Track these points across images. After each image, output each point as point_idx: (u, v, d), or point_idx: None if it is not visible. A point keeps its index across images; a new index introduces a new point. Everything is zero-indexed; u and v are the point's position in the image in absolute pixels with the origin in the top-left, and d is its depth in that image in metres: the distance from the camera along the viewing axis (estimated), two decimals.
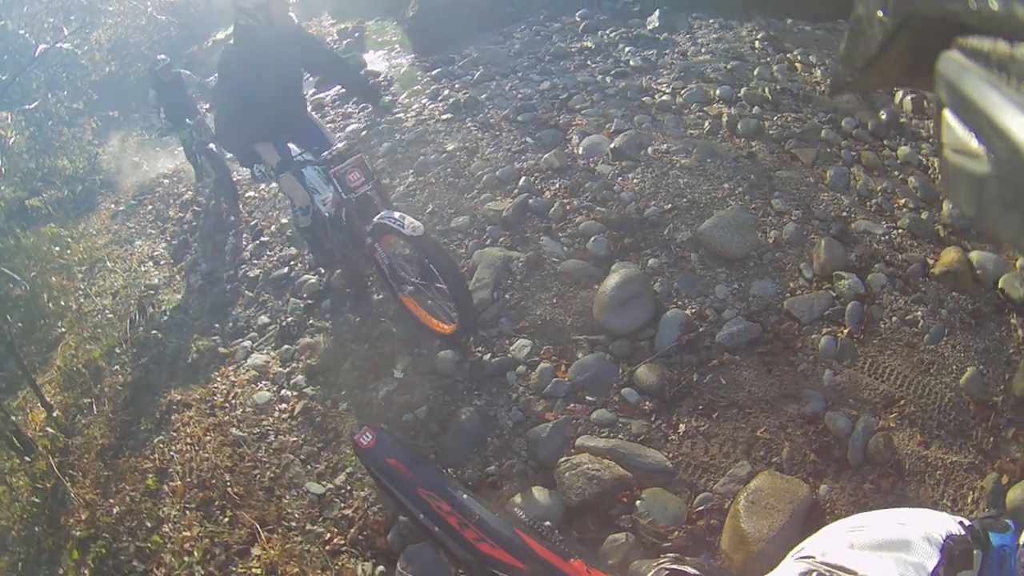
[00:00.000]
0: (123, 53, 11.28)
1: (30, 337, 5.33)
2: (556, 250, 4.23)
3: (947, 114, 0.50)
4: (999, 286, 3.76)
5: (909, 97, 5.26)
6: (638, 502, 2.96)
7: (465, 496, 2.69)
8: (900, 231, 4.13)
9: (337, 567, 3.15)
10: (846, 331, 3.54)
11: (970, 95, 0.47)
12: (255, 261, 5.54)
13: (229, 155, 5.65)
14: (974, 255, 3.90)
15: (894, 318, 3.60)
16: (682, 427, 3.24)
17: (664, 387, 3.37)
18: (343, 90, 7.15)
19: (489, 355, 3.87)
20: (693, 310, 3.73)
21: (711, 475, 3.05)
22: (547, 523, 2.79)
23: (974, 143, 0.48)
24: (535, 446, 3.34)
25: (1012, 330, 3.58)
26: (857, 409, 3.21)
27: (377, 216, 3.76)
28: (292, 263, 5.28)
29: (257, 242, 5.74)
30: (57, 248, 5.89)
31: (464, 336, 3.87)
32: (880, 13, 0.58)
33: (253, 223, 6.05)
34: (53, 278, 5.70)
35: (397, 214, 3.66)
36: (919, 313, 3.61)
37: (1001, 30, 0.46)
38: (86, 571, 3.50)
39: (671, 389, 3.37)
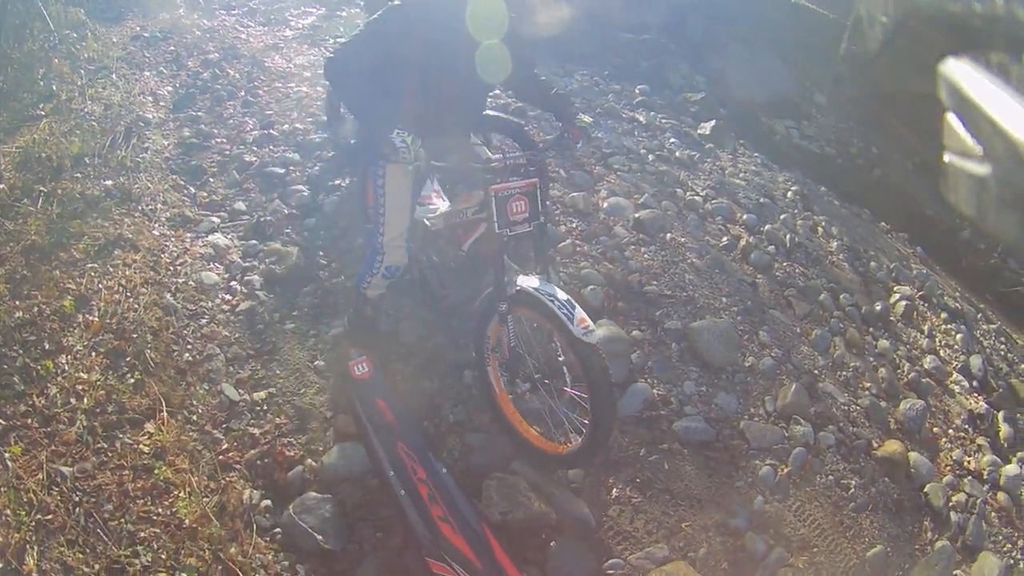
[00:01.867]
0: None
1: (7, 103, 5.11)
2: (553, 280, 4.42)
3: (948, 116, 0.61)
4: (924, 490, 4.15)
5: (903, 302, 5.75)
6: (553, 543, 3.10)
7: (444, 470, 2.70)
8: (858, 408, 4.47)
9: (224, 481, 3.12)
10: (787, 470, 3.82)
11: (971, 97, 0.59)
12: (255, 148, 5.52)
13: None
14: (912, 456, 4.26)
15: (830, 477, 3.90)
16: (615, 491, 3.43)
17: (611, 448, 3.58)
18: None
19: (452, 346, 3.99)
20: (659, 392, 3.96)
21: (629, 545, 3.23)
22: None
23: (974, 144, 0.60)
24: (470, 451, 3.45)
25: (923, 530, 3.93)
26: (775, 540, 3.46)
27: (526, 280, 3.08)
28: (291, 167, 5.29)
29: (264, 132, 5.73)
30: (75, 34, 5.68)
31: (586, 462, 3.33)
32: (881, 14, 0.70)
33: (268, 113, 6.03)
34: (56, 60, 5.49)
35: (562, 295, 2.96)
36: (852, 482, 3.92)
37: (1002, 31, 0.58)
38: None
39: (617, 454, 3.58)
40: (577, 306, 2.91)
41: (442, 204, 3.84)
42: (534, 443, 3.37)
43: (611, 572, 3.10)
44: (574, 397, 3.22)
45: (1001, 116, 0.48)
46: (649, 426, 3.78)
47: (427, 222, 3.71)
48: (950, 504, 4.15)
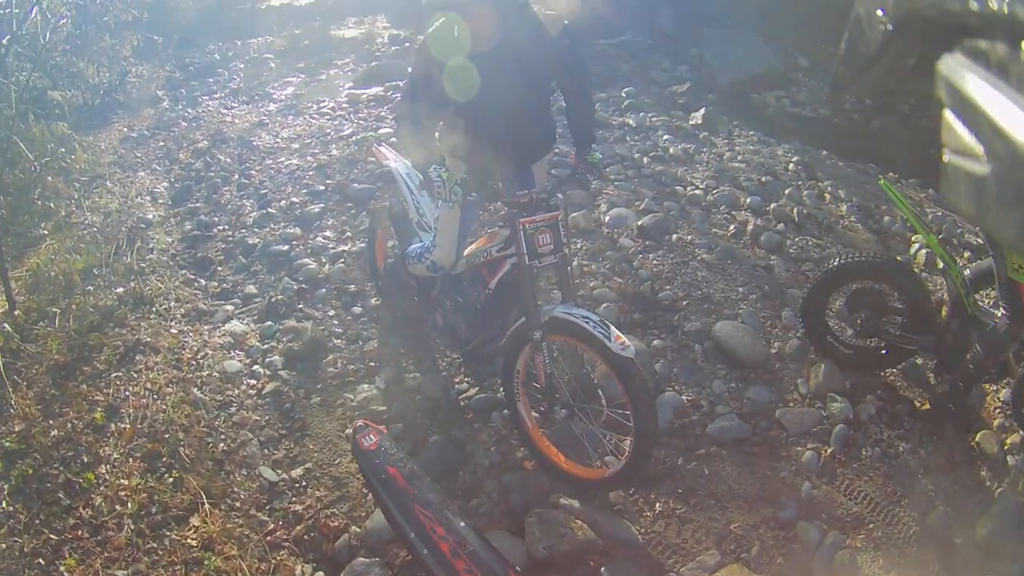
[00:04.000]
0: None
1: (8, 228, 5.21)
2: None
3: (947, 115, 0.58)
4: (976, 439, 3.99)
5: (924, 251, 5.57)
6: (603, 569, 3.05)
7: (462, 524, 2.73)
8: (894, 371, 4.35)
9: (275, 561, 3.15)
10: (830, 450, 3.72)
11: (970, 96, 0.55)
12: (256, 229, 5.58)
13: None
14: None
15: (876, 448, 3.78)
16: (658, 506, 3.37)
17: (648, 464, 3.51)
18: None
19: (476, 390, 3.99)
20: (689, 398, 3.89)
21: (679, 557, 3.17)
22: None
23: (974, 143, 0.56)
24: (508, 491, 3.43)
25: (982, 482, 3.78)
26: (828, 524, 3.36)
27: (557, 307, 3.16)
28: (294, 243, 5.34)
29: (263, 211, 5.80)
30: (63, 149, 5.85)
31: (632, 479, 3.30)
32: (880, 13, 0.66)
33: (263, 192, 6.11)
34: (50, 177, 5.61)
35: (595, 316, 3.03)
36: (900, 448, 3.81)
37: (1001, 30, 0.54)
38: (6, 486, 3.38)
39: (655, 467, 3.51)
40: (611, 325, 2.97)
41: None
42: (574, 472, 3.37)
43: None
44: (612, 417, 3.21)
45: (1001, 115, 0.46)
46: (683, 434, 3.72)
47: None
48: (1005, 448, 3.98)
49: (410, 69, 3.41)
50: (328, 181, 6.11)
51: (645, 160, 6.27)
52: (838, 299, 4.32)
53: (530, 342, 3.20)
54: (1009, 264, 3.58)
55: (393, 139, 5.37)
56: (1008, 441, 4.02)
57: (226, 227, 5.72)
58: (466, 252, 3.65)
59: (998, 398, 4.31)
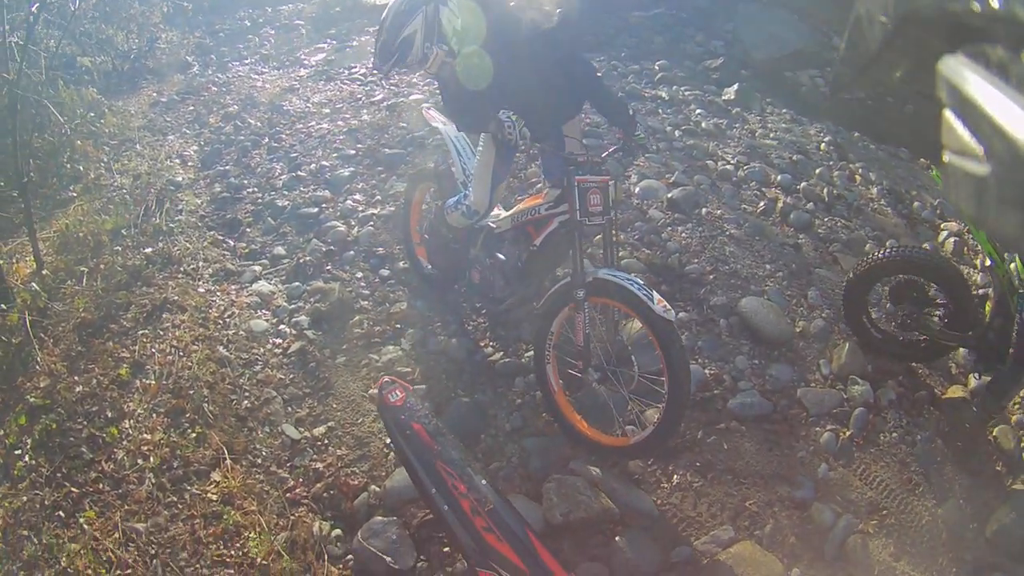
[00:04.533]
0: None
1: (38, 191, 5.23)
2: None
3: (947, 115, 0.56)
4: (993, 433, 3.95)
5: (952, 239, 5.48)
6: (618, 538, 3.06)
7: (484, 482, 2.73)
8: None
9: (293, 517, 3.17)
10: (848, 433, 3.69)
11: (971, 96, 0.53)
12: (286, 192, 5.56)
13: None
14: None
15: (894, 434, 3.75)
16: (676, 478, 3.36)
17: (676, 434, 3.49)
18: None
19: (500, 354, 3.97)
20: (712, 372, 3.87)
21: (694, 531, 3.16)
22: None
23: (974, 144, 0.54)
24: (528, 456, 3.44)
25: (997, 476, 3.75)
26: (843, 507, 3.34)
27: (600, 269, 3.24)
28: (324, 205, 5.33)
29: (293, 175, 5.77)
30: (92, 114, 5.81)
31: (660, 446, 3.29)
32: (880, 14, 0.64)
33: (293, 156, 6.08)
34: (79, 141, 5.60)
35: (639, 279, 3.13)
36: (918, 437, 3.77)
37: (1001, 31, 0.52)
38: (28, 440, 3.41)
39: (674, 440, 3.49)
40: (653, 290, 3.04)
41: (501, 211, 3.93)
42: (597, 439, 3.39)
43: (677, 560, 3.04)
44: (643, 383, 3.26)
45: (1001, 115, 0.44)
46: (704, 408, 3.70)
47: (492, 224, 3.84)
48: (1022, 445, 3.94)
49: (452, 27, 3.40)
50: (359, 145, 6.07)
51: (677, 133, 6.17)
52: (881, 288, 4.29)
53: (572, 302, 3.25)
54: None
55: (425, 104, 5.31)
56: None
57: (255, 190, 5.70)
58: (512, 211, 3.72)
59: (1019, 394, 4.26)
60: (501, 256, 3.79)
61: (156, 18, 8.62)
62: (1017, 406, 4.20)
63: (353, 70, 7.77)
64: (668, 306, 2.99)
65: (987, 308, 3.89)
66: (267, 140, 6.44)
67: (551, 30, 3.39)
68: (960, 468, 3.71)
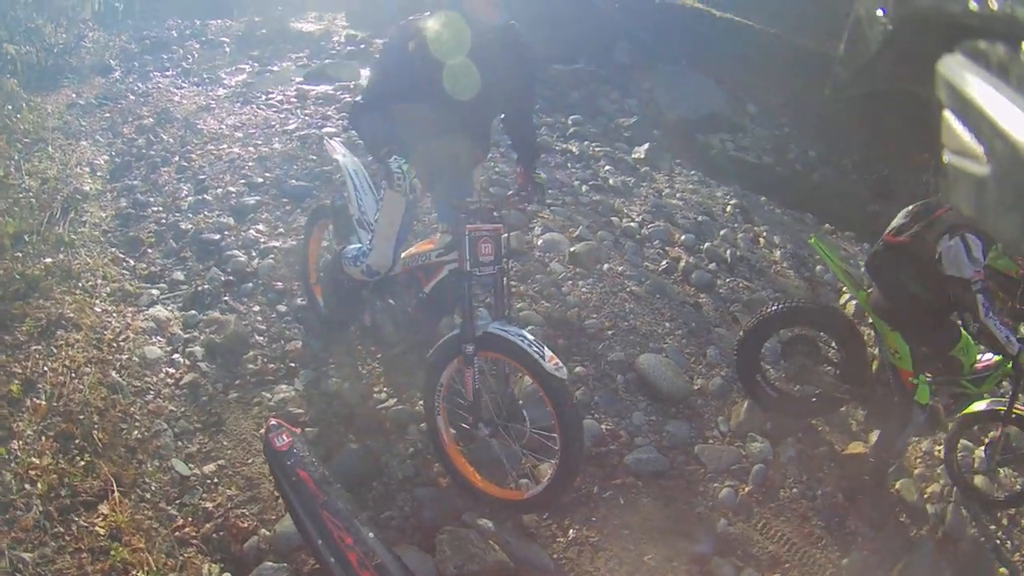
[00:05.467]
0: None
1: None
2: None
3: (947, 115, 0.58)
4: (896, 486, 4.29)
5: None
6: None
7: (371, 535, 2.78)
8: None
9: (183, 558, 3.16)
10: (747, 489, 3.93)
11: (970, 96, 0.55)
12: (190, 215, 5.62)
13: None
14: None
15: (794, 489, 4.02)
16: (572, 532, 3.50)
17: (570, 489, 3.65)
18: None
19: (394, 401, 4.08)
20: (608, 427, 4.07)
21: None
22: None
23: (974, 144, 0.55)
24: (421, 506, 3.51)
25: (902, 527, 4.07)
26: (744, 561, 3.56)
27: (491, 322, 3.29)
28: (227, 232, 5.38)
29: (199, 197, 5.84)
30: (10, 107, 5.74)
31: (553, 501, 3.41)
32: (880, 14, 0.71)
33: (202, 177, 6.16)
34: None
35: (530, 335, 3.21)
36: (819, 492, 4.05)
37: (1001, 31, 0.59)
38: None
39: (570, 494, 3.66)
40: (545, 346, 3.13)
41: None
42: (490, 492, 3.49)
43: None
44: (535, 439, 3.37)
45: (1001, 116, 0.50)
46: (600, 462, 3.88)
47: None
48: (924, 496, 4.32)
49: (368, 73, 3.54)
50: (267, 174, 6.21)
51: (584, 188, 6.52)
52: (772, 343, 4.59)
53: (461, 356, 3.30)
54: (887, 349, 3.94)
55: (338, 139, 5.50)
56: (928, 490, 4.36)
57: (160, 209, 5.76)
58: (404, 254, 3.74)
59: (920, 448, 4.64)
60: (391, 301, 3.87)
61: (86, 14, 8.77)
62: (919, 459, 4.58)
63: (270, 95, 7.99)
64: (560, 363, 3.09)
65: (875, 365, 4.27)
66: (177, 158, 6.53)
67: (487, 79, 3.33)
68: (863, 521, 4.00)
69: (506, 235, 3.45)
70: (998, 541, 4.28)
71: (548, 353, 3.09)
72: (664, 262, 5.66)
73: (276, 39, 9.85)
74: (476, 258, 3.27)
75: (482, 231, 3.30)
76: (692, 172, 7.79)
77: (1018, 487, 4.47)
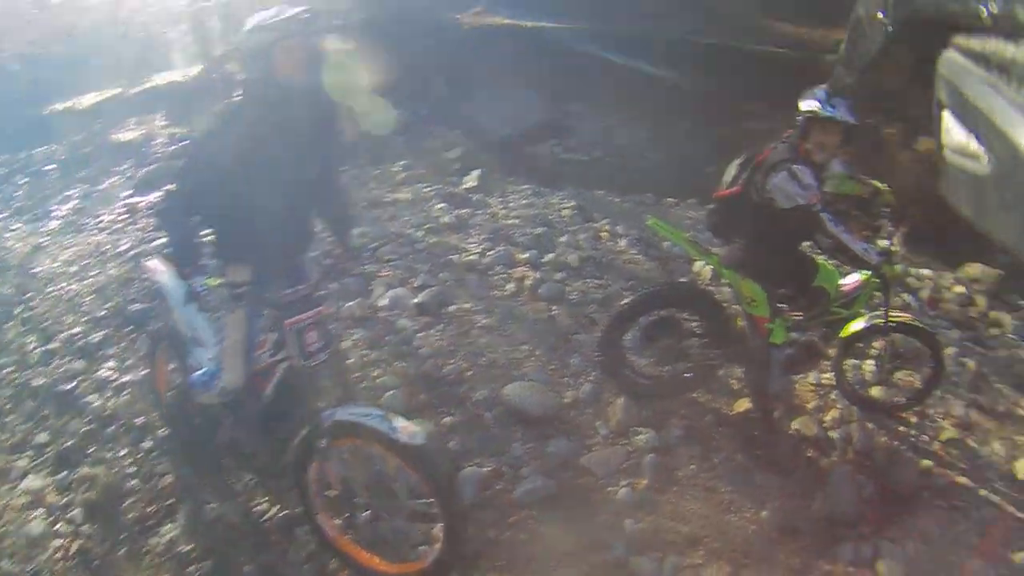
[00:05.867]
0: None
1: None
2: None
3: (947, 115, 0.73)
4: (795, 426, 4.45)
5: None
6: None
7: None
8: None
9: None
10: (644, 482, 4.00)
11: (970, 97, 0.71)
12: (41, 368, 5.45)
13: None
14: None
15: (692, 466, 4.12)
16: None
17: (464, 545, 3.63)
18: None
19: (276, 508, 3.99)
20: (489, 468, 4.07)
21: None
22: None
23: (974, 144, 0.72)
24: None
25: (811, 461, 4.23)
26: (662, 551, 3.63)
27: (337, 409, 3.23)
28: (79, 378, 5.23)
29: (45, 348, 5.69)
30: None
31: (452, 563, 3.35)
32: (880, 15, 0.81)
33: (45, 324, 6.01)
34: None
35: (376, 411, 3.19)
36: (715, 460, 4.18)
37: (1001, 32, 0.69)
38: None
39: (469, 546, 3.63)
40: (395, 416, 3.11)
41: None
42: (391, 571, 3.45)
43: None
44: (416, 508, 3.32)
45: (1001, 117, 0.54)
46: (491, 505, 3.88)
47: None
48: (825, 426, 4.48)
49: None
50: (107, 304, 6.09)
51: (419, 234, 6.59)
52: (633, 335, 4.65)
53: (317, 452, 3.26)
54: (744, 299, 4.12)
55: (157, 256, 5.42)
56: (827, 418, 4.52)
57: (13, 368, 5.57)
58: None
59: (808, 383, 4.81)
60: (238, 412, 3.79)
61: None
62: (811, 392, 4.74)
63: (100, 218, 7.93)
64: (414, 430, 3.06)
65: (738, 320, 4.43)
66: (20, 309, 6.39)
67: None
68: (770, 471, 4.14)
69: (337, 310, 3.41)
70: (912, 439, 4.45)
71: (399, 423, 3.06)
72: (509, 285, 5.75)
73: (100, 155, 9.89)
74: (304, 351, 3.24)
75: (303, 320, 3.25)
76: (525, 186, 7.96)
77: (917, 384, 4.61)
